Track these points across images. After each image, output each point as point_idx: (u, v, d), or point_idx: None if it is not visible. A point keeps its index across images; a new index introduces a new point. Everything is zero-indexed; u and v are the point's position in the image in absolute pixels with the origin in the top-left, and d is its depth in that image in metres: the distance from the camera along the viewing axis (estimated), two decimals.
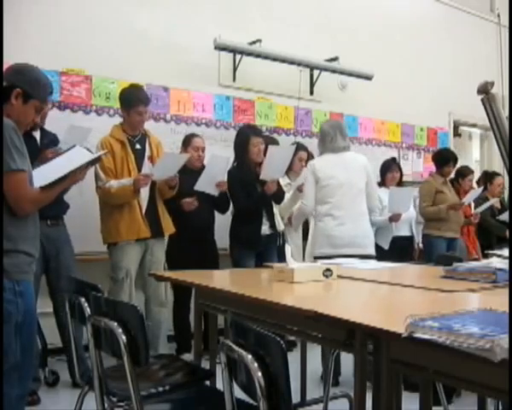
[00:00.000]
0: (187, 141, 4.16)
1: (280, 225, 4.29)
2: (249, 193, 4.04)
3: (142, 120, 3.70)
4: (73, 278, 2.30)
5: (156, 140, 3.85)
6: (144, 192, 3.64)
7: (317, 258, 3.27)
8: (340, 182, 3.46)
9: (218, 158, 3.94)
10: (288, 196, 4.41)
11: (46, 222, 3.21)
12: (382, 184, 5.05)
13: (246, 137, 4.11)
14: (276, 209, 4.27)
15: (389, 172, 5.06)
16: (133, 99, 3.66)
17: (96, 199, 3.67)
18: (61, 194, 3.19)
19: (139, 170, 3.62)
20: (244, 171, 4.09)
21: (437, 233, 5.03)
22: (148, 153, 3.72)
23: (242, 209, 4.08)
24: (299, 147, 4.64)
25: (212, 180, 3.84)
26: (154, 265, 3.68)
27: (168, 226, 3.79)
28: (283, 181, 4.43)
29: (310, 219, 4.57)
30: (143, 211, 3.63)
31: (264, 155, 3.99)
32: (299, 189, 4.33)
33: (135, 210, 3.59)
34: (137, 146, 3.72)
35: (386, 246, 4.82)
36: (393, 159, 5.34)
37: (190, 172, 3.88)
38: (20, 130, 2.06)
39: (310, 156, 4.74)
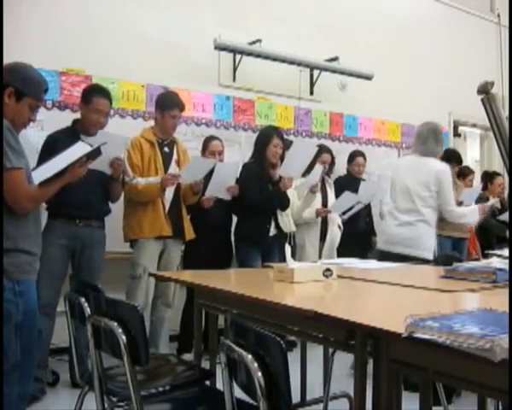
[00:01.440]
0: (205, 144, 4.21)
1: (291, 226, 4.28)
2: (261, 190, 4.06)
3: (174, 124, 3.78)
4: (74, 278, 2.30)
5: (183, 147, 3.93)
6: (168, 194, 3.70)
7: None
8: (406, 186, 3.61)
9: (226, 165, 4.01)
10: (302, 197, 4.40)
11: (75, 221, 3.32)
12: None
13: (269, 135, 4.16)
14: (288, 210, 4.26)
15: None
16: (169, 102, 3.75)
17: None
18: (109, 197, 3.41)
19: (165, 171, 3.69)
20: (260, 167, 4.12)
21: (442, 233, 5.02)
22: (175, 157, 3.80)
23: (252, 203, 4.06)
24: (323, 149, 4.68)
25: (221, 186, 3.88)
26: (169, 265, 3.74)
27: (189, 231, 3.85)
28: (299, 182, 4.40)
29: (329, 222, 4.58)
30: (166, 210, 3.69)
31: (281, 159, 4.07)
32: (312, 190, 4.32)
33: (158, 208, 3.66)
34: (166, 149, 3.78)
35: None
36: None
37: (209, 174, 3.88)
38: (16, 129, 2.06)
39: (333, 159, 4.77)
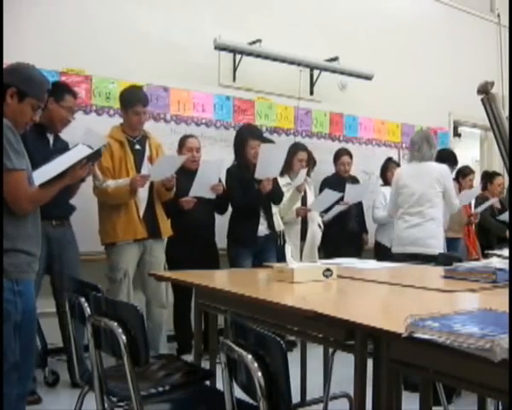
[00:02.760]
0: (181, 142, 4.17)
1: (280, 226, 4.29)
2: (246, 191, 4.05)
3: (140, 120, 3.69)
4: (74, 278, 2.30)
5: (156, 142, 3.85)
6: (143, 194, 3.65)
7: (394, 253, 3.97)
8: (412, 191, 3.91)
9: (210, 163, 3.98)
10: (287, 195, 4.41)
11: (51, 222, 3.23)
12: (386, 183, 5.10)
13: (243, 139, 4.14)
14: (274, 209, 4.27)
15: (388, 171, 5.15)
16: (131, 99, 3.66)
17: (94, 199, 3.66)
18: (66, 196, 3.23)
19: (138, 170, 3.62)
20: (242, 169, 4.11)
21: None
22: (147, 153, 3.72)
23: (239, 207, 4.09)
24: (299, 147, 4.65)
25: (205, 185, 3.86)
26: (153, 265, 3.68)
27: (166, 229, 3.79)
28: (283, 181, 4.44)
29: (308, 221, 4.59)
30: (141, 212, 3.63)
31: None
32: (299, 189, 4.34)
33: (131, 211, 3.59)
34: (137, 146, 3.71)
35: (388, 244, 4.84)
36: (389, 158, 5.46)
37: (187, 173, 3.87)
38: (18, 129, 2.06)
39: (310, 156, 4.75)
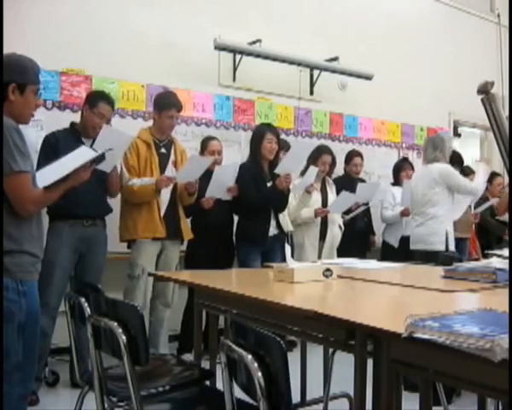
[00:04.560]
0: (203, 145, 4.21)
1: (288, 226, 4.28)
2: (258, 188, 4.06)
3: (171, 124, 3.78)
4: (74, 278, 2.30)
5: (181, 147, 3.93)
6: (165, 196, 3.71)
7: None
8: (417, 192, 4.18)
9: (225, 167, 4.03)
10: (297, 196, 4.41)
11: (83, 222, 3.36)
12: (396, 183, 5.10)
13: (262, 132, 4.16)
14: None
15: (402, 170, 5.17)
16: (167, 103, 3.75)
17: (114, 200, 3.70)
18: (105, 194, 3.42)
19: (162, 173, 3.70)
20: (256, 165, 4.12)
21: None
22: (172, 158, 3.80)
23: (250, 203, 4.06)
24: (324, 150, 4.66)
25: (221, 187, 3.90)
26: (167, 265, 3.75)
27: (187, 232, 3.87)
28: (296, 182, 4.39)
29: (329, 222, 4.59)
30: (162, 212, 3.70)
31: (276, 156, 4.09)
32: (308, 190, 4.33)
33: (153, 210, 3.66)
34: (163, 150, 3.79)
35: (395, 244, 4.85)
36: (405, 158, 5.47)
37: (208, 174, 3.87)
38: (26, 121, 2.06)
39: (334, 160, 4.76)
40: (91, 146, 2.96)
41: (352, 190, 4.62)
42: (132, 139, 3.54)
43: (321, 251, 4.54)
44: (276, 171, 3.98)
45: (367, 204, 4.81)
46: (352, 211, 4.75)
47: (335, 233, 4.64)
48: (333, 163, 4.74)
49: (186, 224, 3.90)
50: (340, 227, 4.70)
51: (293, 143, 4.01)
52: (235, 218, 4.25)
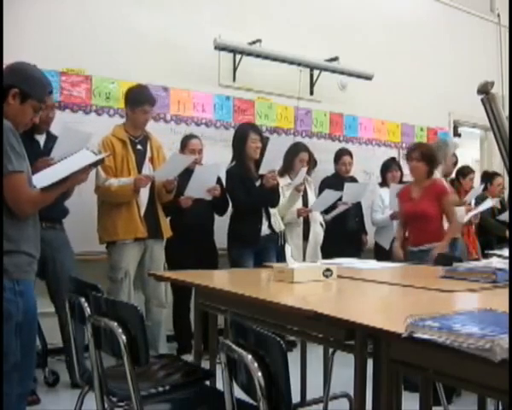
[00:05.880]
0: (183, 143, 4.17)
1: (280, 226, 4.28)
2: (248, 190, 4.05)
3: (146, 120, 3.72)
4: (74, 278, 2.30)
5: (157, 143, 3.87)
6: (144, 194, 3.65)
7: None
8: None
9: (206, 167, 4.00)
10: (286, 195, 4.41)
11: (41, 224, 3.19)
12: (384, 183, 5.09)
13: (245, 133, 4.13)
14: (273, 210, 4.26)
15: (389, 171, 5.14)
16: (140, 98, 3.69)
17: (94, 199, 3.67)
18: (62, 198, 3.20)
19: (139, 170, 3.63)
20: (243, 168, 4.10)
21: None
22: (148, 154, 3.73)
23: (243, 207, 4.07)
24: (301, 147, 4.64)
25: (201, 187, 3.85)
26: (153, 265, 3.68)
27: (166, 229, 3.80)
28: (284, 181, 4.43)
29: (310, 221, 4.58)
30: (142, 212, 3.63)
31: (261, 154, 4.02)
32: (297, 189, 4.33)
33: (133, 210, 3.59)
34: (138, 147, 3.72)
35: (386, 246, 4.83)
36: (393, 158, 5.42)
37: (188, 173, 3.87)
38: (18, 130, 2.05)
39: (311, 158, 4.74)
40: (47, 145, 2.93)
41: (341, 189, 4.61)
42: (91, 136, 3.38)
43: (305, 251, 4.51)
44: (260, 172, 3.96)
45: (346, 204, 4.74)
46: (335, 210, 4.71)
47: (318, 232, 4.62)
48: (311, 161, 4.69)
49: (166, 222, 3.83)
50: (321, 225, 4.68)
51: (271, 140, 3.98)
52: (216, 218, 4.22)
